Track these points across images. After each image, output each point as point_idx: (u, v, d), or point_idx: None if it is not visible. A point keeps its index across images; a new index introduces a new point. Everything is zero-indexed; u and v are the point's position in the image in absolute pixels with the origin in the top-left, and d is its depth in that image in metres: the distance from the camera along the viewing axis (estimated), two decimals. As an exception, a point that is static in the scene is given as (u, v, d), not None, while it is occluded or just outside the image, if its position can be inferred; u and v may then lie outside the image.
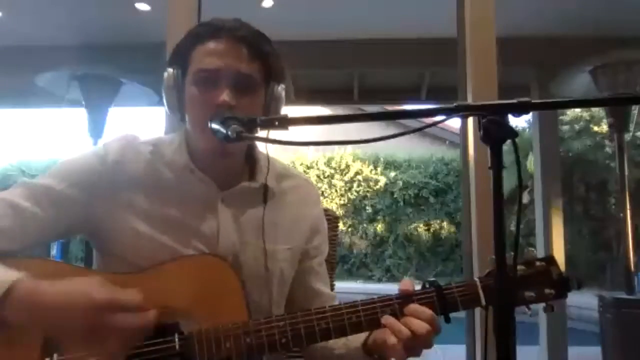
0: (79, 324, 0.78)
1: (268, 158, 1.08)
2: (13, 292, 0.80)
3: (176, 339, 0.89)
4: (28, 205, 0.96)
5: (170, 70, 1.03)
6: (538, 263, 0.98)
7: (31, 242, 0.97)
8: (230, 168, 1.07)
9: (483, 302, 0.95)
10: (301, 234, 1.13)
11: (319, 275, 1.16)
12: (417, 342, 0.89)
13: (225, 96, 0.96)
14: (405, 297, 0.94)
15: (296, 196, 1.14)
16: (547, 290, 0.96)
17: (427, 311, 0.91)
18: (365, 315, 0.93)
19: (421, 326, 0.89)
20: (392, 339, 0.89)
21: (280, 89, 1.04)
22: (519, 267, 0.97)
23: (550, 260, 0.99)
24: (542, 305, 0.96)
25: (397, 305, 0.93)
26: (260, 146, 1.13)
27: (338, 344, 1.03)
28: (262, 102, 1.03)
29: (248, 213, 1.06)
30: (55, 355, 0.86)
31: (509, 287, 0.72)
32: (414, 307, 0.92)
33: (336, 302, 1.15)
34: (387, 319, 0.92)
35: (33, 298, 0.81)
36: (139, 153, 1.04)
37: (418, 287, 0.97)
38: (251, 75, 0.99)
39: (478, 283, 0.96)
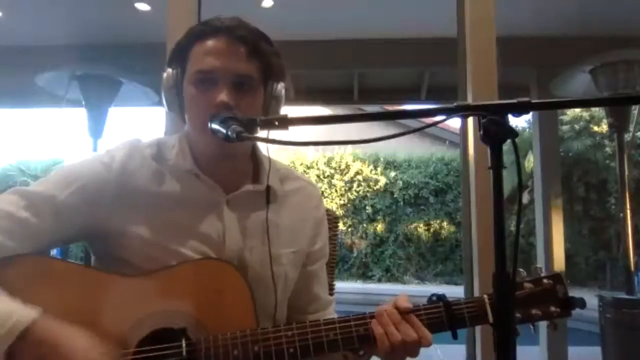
0: None
1: (270, 160, 1.07)
2: (27, 336, 0.81)
3: (183, 345, 0.88)
4: (26, 215, 0.92)
5: (170, 70, 1.02)
6: (545, 280, 0.98)
7: (28, 251, 0.93)
8: (234, 170, 1.06)
9: (490, 319, 0.95)
10: (305, 236, 1.11)
11: (319, 279, 1.15)
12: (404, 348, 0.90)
13: (223, 96, 0.95)
14: (411, 311, 0.94)
15: (299, 198, 1.12)
16: (552, 309, 0.96)
17: (425, 332, 0.92)
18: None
19: (411, 336, 0.90)
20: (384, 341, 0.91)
21: (280, 87, 1.03)
22: (526, 284, 0.97)
23: (556, 278, 0.99)
24: (545, 323, 0.96)
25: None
26: (263, 147, 1.12)
27: None
28: (262, 102, 1.02)
29: (252, 216, 1.04)
30: None
31: (508, 291, 0.71)
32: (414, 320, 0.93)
33: (333, 307, 1.16)
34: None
35: (45, 345, 0.82)
36: (143, 159, 1.02)
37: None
38: (250, 75, 0.99)
39: (486, 300, 0.96)
